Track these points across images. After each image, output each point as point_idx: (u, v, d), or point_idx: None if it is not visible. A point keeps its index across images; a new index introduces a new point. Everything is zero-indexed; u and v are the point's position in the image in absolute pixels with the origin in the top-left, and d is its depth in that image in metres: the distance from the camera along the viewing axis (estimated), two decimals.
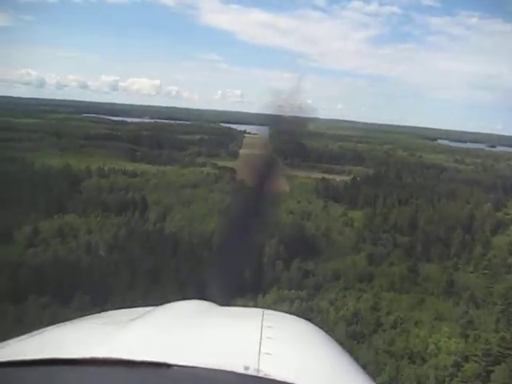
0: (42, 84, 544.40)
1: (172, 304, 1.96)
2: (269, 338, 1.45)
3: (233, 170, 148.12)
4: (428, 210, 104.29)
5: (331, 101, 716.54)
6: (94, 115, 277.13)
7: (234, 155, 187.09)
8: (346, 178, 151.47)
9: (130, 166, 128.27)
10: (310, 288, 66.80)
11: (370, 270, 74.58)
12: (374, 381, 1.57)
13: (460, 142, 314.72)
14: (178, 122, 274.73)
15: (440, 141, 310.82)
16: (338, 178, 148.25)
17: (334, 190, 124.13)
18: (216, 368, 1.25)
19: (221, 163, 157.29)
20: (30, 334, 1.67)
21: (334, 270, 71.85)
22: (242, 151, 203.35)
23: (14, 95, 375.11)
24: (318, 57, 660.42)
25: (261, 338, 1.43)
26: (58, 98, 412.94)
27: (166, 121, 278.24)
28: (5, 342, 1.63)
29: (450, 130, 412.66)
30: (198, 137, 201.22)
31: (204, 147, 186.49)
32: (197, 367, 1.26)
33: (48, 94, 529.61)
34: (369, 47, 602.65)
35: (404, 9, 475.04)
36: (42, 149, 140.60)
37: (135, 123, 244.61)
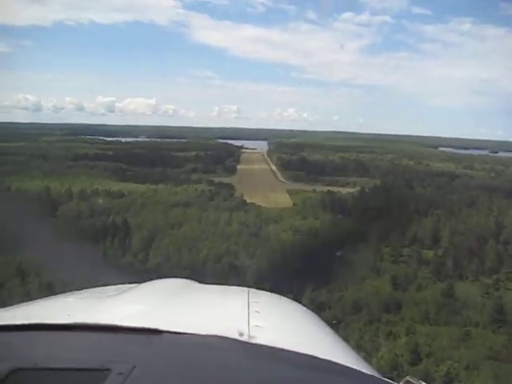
0: (38, 108, 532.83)
1: (156, 281, 1.91)
2: (257, 312, 1.44)
3: (230, 186, 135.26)
4: (451, 220, 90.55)
5: (327, 112, 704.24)
6: (88, 137, 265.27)
7: (232, 171, 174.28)
8: (352, 190, 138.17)
9: (118, 186, 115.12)
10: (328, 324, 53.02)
11: (397, 296, 60.54)
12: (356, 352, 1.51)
13: (462, 148, 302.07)
14: (174, 140, 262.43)
15: (442, 148, 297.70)
16: (344, 190, 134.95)
17: (342, 203, 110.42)
18: (210, 334, 1.23)
19: (217, 179, 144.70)
20: (16, 305, 1.64)
21: (353, 300, 57.94)
22: (239, 166, 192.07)
23: (13, 121, 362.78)
24: (311, 69, 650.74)
25: (249, 312, 1.42)
26: (54, 121, 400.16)
27: (162, 139, 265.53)
28: None
29: (450, 138, 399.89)
30: (193, 153, 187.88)
31: (200, 164, 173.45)
32: (189, 333, 1.23)
33: (45, 117, 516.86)
34: (362, 57, 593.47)
35: (396, 18, 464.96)
36: (23, 172, 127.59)
37: (129, 143, 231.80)
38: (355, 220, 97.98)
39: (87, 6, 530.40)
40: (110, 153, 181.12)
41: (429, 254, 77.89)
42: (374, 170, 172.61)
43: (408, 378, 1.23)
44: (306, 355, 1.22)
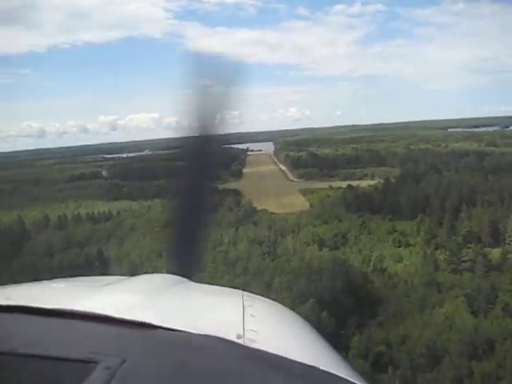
0: (42, 134, 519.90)
1: (148, 275, 1.83)
2: (252, 315, 1.37)
3: (236, 192, 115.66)
4: (507, 206, 70.30)
5: (329, 108, 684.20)
6: (89, 156, 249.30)
7: (238, 175, 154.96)
8: (374, 182, 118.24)
9: (108, 206, 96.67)
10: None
11: (482, 325, 40.59)
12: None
13: (471, 127, 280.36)
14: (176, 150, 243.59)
15: (450, 130, 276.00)
16: (364, 183, 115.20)
17: (367, 199, 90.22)
18: (207, 334, 1.15)
19: (222, 186, 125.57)
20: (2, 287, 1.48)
21: (423, 341, 38.09)
22: (246, 170, 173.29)
23: (19, 149, 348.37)
24: (310, 65, 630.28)
25: (243, 315, 1.35)
26: (59, 145, 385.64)
27: (165, 151, 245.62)
28: None
29: (456, 119, 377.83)
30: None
31: None
32: (184, 331, 1.14)
33: (49, 143, 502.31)
34: (359, 49, 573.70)
35: (388, 5, 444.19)
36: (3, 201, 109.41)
37: (129, 157, 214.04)
38: (389, 218, 77.97)
39: (79, 27, 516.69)
40: (109, 170, 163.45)
41: (495, 253, 57.88)
42: (390, 157, 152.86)
43: None
44: (302, 364, 1.14)
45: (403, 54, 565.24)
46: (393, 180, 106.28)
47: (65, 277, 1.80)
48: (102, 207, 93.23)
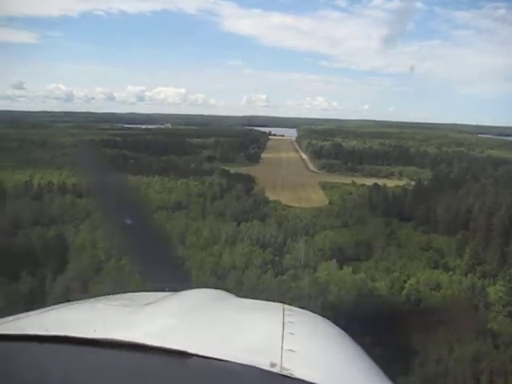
0: (70, 98, 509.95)
1: (189, 291, 1.76)
2: (291, 333, 1.31)
3: (248, 179, 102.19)
4: None
5: (357, 101, 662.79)
6: (110, 123, 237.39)
7: (255, 159, 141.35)
8: (402, 183, 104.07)
9: None
10: None
11: None
12: (393, 381, 1.44)
13: (503, 135, 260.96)
14: (196, 126, 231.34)
15: (481, 135, 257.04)
16: (391, 183, 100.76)
17: (395, 202, 76.13)
18: (241, 363, 1.10)
19: (236, 169, 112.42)
20: (35, 312, 1.47)
21: None
22: (264, 155, 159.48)
23: (47, 109, 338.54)
24: (341, 57, 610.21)
25: (283, 334, 1.29)
26: (86, 110, 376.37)
27: (184, 126, 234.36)
28: (10, 317, 1.43)
29: (487, 126, 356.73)
30: (212, 140, 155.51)
31: (219, 151, 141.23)
32: (219, 359, 1.10)
33: (77, 107, 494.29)
34: (393, 45, 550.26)
35: (427, 4, 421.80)
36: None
37: (146, 129, 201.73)
38: (422, 230, 64.13)
39: None
40: (118, 139, 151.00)
41: None
42: (421, 157, 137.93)
43: None
44: None
45: (438, 55, 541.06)
46: (425, 183, 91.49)
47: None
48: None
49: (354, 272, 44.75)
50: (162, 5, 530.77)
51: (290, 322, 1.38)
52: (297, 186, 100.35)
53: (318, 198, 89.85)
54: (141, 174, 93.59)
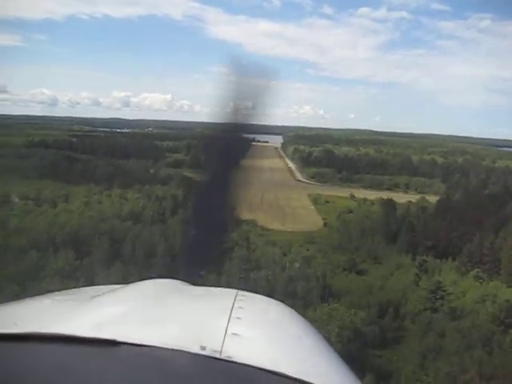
0: (54, 102, 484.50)
1: (142, 282, 1.64)
2: (238, 318, 1.24)
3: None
4: None
5: (344, 110, 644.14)
6: (81, 126, 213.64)
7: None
8: (416, 197, 79.50)
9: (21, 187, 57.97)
10: None
11: None
12: (349, 368, 1.36)
13: (492, 146, 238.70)
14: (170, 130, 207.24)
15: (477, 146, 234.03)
16: (400, 198, 75.02)
17: (419, 227, 50.21)
18: (169, 347, 1.03)
19: (198, 176, 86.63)
20: None
21: None
22: (246, 161, 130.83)
23: (30, 114, 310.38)
24: (328, 66, 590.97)
25: (229, 319, 1.22)
26: (71, 115, 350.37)
27: (160, 130, 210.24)
28: None
29: (475, 137, 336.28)
30: (184, 142, 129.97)
31: (190, 155, 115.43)
32: (147, 346, 1.03)
33: (61, 111, 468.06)
34: (379, 54, 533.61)
35: (413, 13, 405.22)
36: None
37: (119, 133, 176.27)
38: (477, 273, 38.65)
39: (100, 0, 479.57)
40: (74, 140, 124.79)
41: None
42: (426, 166, 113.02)
43: None
44: (281, 375, 1.00)
45: (423, 65, 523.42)
46: (453, 200, 65.90)
47: None
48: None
49: None
50: (148, 10, 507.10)
51: (239, 307, 1.30)
52: (280, 200, 74.54)
53: (308, 217, 64.11)
54: (73, 179, 66.95)
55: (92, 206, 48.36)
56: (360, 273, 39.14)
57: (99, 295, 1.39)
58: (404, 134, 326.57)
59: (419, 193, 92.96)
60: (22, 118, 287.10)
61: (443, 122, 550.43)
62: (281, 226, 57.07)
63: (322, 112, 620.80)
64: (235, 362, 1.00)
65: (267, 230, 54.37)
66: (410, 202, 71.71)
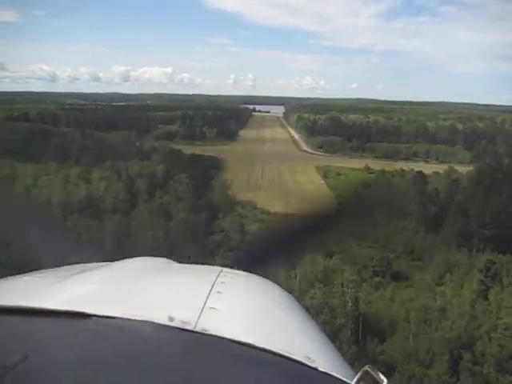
0: (54, 78, 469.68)
1: (132, 259, 1.67)
2: (218, 292, 1.23)
3: (213, 163, 64.11)
4: None
5: (346, 80, 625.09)
6: (81, 101, 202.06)
7: (230, 137, 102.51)
8: (440, 168, 66.58)
9: None
10: None
11: None
12: (331, 341, 1.34)
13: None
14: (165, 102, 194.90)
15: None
16: (424, 168, 62.36)
17: (468, 207, 38.19)
18: (136, 319, 1.01)
19: (200, 149, 74.41)
20: None
21: None
22: (244, 132, 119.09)
23: (31, 90, 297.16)
24: (330, 35, 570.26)
25: (209, 293, 1.21)
26: (70, 91, 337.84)
27: (153, 102, 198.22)
28: None
29: (483, 104, 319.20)
30: (179, 113, 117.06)
31: (184, 127, 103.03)
32: (116, 318, 1.02)
33: (61, 87, 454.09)
34: (381, 22, 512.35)
35: None
36: None
37: (113, 106, 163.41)
38: None
39: None
40: (59, 113, 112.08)
41: None
42: (446, 133, 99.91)
43: (367, 367, 0.82)
44: (252, 347, 0.97)
45: (426, 32, 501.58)
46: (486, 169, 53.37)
47: None
48: None
49: None
50: None
51: (221, 282, 1.29)
52: (283, 174, 62.39)
53: (317, 193, 52.16)
54: (36, 155, 54.93)
55: (36, 189, 36.40)
56: (397, 277, 27.37)
57: (82, 271, 1.34)
58: (410, 102, 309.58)
59: (441, 162, 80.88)
60: (22, 93, 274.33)
61: (449, 90, 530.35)
62: (283, 207, 45.03)
63: (322, 82, 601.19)
64: (209, 335, 0.96)
65: (268, 213, 42.53)
66: (436, 173, 59.51)
